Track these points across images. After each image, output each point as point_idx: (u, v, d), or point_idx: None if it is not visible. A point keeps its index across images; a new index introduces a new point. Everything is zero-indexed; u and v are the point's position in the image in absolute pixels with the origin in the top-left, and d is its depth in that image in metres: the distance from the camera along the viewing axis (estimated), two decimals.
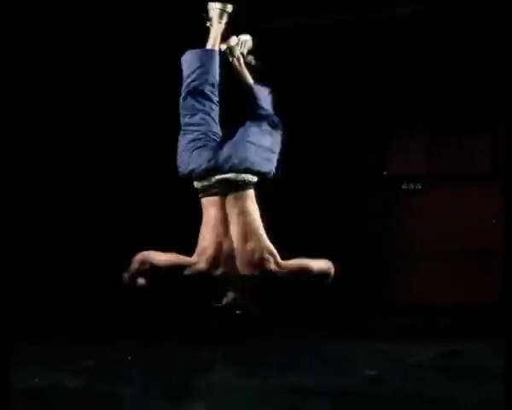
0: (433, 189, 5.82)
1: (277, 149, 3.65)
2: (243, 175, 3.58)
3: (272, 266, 3.44)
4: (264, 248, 3.44)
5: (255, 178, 3.55)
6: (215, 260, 3.50)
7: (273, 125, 3.73)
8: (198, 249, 3.52)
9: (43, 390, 2.45)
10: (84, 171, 5.58)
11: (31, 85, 5.31)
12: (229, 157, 3.53)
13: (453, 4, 5.38)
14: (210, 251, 3.49)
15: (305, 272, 3.47)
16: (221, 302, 3.59)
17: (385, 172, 5.94)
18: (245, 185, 3.57)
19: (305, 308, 5.20)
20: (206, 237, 3.49)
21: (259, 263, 3.44)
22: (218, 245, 3.50)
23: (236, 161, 3.51)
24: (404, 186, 5.89)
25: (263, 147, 3.64)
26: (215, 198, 3.56)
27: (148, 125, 5.54)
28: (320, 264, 3.50)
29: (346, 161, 5.89)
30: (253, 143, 3.63)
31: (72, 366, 2.89)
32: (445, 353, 3.47)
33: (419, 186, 5.87)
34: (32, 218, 5.36)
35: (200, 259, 3.52)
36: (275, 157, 3.61)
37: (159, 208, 5.45)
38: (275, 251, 3.44)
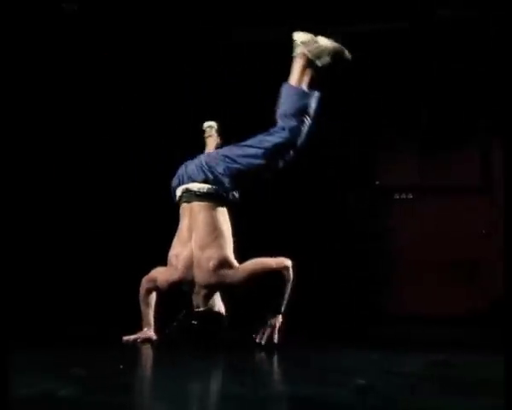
0: (425, 199, 5.86)
1: (244, 161, 3.73)
2: (199, 185, 3.72)
3: (227, 275, 3.57)
4: (219, 257, 3.59)
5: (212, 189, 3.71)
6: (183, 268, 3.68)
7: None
8: (169, 258, 3.76)
9: (35, 400, 2.45)
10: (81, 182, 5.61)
11: (32, 94, 5.35)
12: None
13: (443, 21, 5.45)
14: (175, 259, 3.70)
15: (264, 269, 3.55)
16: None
17: (377, 182, 5.98)
18: (205, 195, 3.71)
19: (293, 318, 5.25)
20: (174, 246, 3.76)
21: (213, 271, 3.56)
22: (182, 252, 3.69)
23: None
24: (396, 196, 5.93)
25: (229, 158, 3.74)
26: (183, 207, 3.80)
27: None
28: (278, 260, 3.58)
29: (340, 171, 5.93)
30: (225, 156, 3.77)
31: (64, 374, 2.88)
32: (435, 363, 3.47)
33: (410, 196, 5.91)
34: (27, 223, 5.38)
35: (171, 267, 3.73)
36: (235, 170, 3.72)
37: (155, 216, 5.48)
38: (231, 260, 3.61)
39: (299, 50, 3.82)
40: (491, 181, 5.69)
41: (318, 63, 3.77)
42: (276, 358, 3.59)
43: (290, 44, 5.76)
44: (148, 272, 3.96)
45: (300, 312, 5.44)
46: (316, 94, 3.80)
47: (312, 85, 3.81)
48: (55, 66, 5.49)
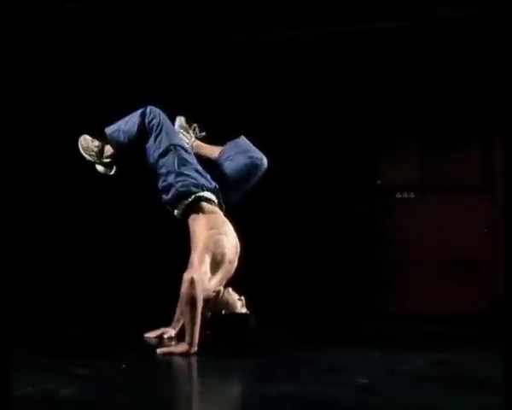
0: (426, 198, 5.86)
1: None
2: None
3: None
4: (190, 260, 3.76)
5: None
6: None
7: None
8: None
9: (35, 400, 2.45)
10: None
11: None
12: None
13: (444, 20, 5.46)
14: None
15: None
16: None
17: (379, 181, 5.97)
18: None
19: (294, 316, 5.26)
20: None
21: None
22: None
23: None
24: (397, 195, 5.93)
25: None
26: None
27: None
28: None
29: (341, 171, 5.92)
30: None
31: (65, 374, 2.89)
32: (436, 361, 3.48)
33: (412, 195, 5.91)
34: (28, 222, 5.38)
35: None
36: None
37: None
38: (195, 262, 3.69)
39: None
40: (492, 180, 5.67)
41: None
42: (276, 358, 3.59)
43: (290, 46, 5.81)
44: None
45: (300, 311, 5.47)
46: None
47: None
48: (57, 64, 5.49)
